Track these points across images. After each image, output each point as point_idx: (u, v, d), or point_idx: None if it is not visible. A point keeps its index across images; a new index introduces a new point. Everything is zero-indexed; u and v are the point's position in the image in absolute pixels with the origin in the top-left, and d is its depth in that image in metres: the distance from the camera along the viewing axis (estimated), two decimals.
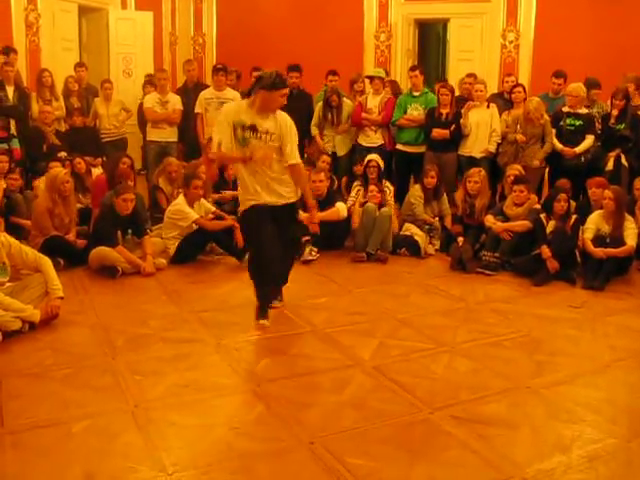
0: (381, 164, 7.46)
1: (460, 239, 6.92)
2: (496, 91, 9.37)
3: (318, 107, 8.62)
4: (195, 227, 6.68)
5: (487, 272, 6.47)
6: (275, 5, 12.13)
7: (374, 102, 8.37)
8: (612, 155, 7.75)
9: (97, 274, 6.26)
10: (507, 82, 8.80)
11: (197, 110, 8.57)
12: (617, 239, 6.34)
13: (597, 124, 7.92)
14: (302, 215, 6.96)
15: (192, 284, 6.10)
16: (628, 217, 6.50)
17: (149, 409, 3.69)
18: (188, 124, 8.79)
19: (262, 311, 5.04)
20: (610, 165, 7.74)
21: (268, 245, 4.89)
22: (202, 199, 6.96)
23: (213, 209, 7.04)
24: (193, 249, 6.73)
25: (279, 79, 4.81)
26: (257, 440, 3.39)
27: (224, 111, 5.10)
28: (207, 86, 9.08)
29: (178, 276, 6.31)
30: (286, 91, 4.91)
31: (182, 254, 6.64)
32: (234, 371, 4.25)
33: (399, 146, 8.38)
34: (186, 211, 6.69)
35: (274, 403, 3.79)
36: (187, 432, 3.47)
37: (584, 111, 7.84)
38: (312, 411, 3.70)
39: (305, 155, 9.13)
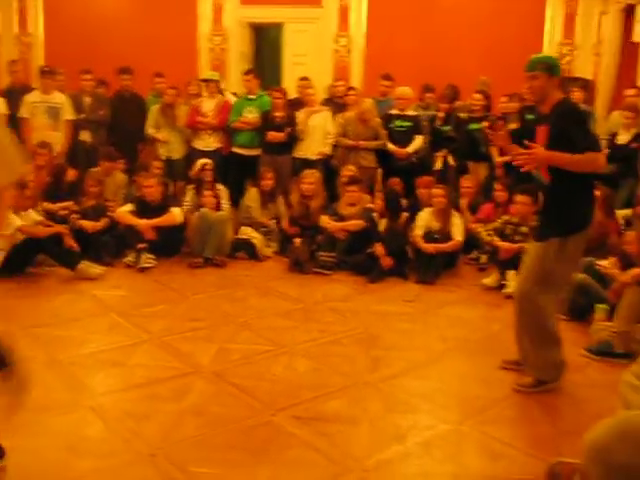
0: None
1: (297, 240, 6.99)
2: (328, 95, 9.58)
3: (154, 109, 8.52)
4: (21, 237, 6.31)
5: (324, 272, 6.59)
6: (107, 5, 11.74)
7: (209, 106, 8.32)
8: (440, 155, 8.18)
9: None
10: (336, 86, 9.02)
11: (22, 115, 8.12)
12: (446, 235, 6.67)
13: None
14: (139, 222, 6.81)
15: (22, 298, 5.77)
16: (455, 213, 6.87)
17: None
18: (14, 129, 8.29)
19: None
20: (438, 164, 8.16)
21: None
22: (30, 209, 6.59)
23: (40, 219, 6.67)
24: (21, 261, 6.36)
25: None
26: (96, 457, 3.28)
27: None
28: (33, 89, 8.63)
29: (5, 290, 5.94)
30: None
31: (9, 266, 6.26)
32: (69, 387, 4.07)
33: (235, 149, 8.37)
34: (9, 218, 6.31)
35: (112, 417, 3.67)
36: (21, 455, 3.25)
37: (412, 113, 8.20)
38: (152, 422, 3.62)
39: (139, 159, 8.95)
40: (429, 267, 6.48)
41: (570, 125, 3.92)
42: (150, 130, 8.51)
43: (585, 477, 2.01)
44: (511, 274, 5.96)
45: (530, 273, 4.08)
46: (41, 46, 12.07)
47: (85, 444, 3.41)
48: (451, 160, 8.23)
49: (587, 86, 9.61)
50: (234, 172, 8.53)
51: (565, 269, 4.11)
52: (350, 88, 8.77)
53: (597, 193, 5.95)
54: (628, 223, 6.77)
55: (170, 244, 7.00)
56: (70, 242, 6.37)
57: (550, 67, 4.01)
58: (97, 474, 3.14)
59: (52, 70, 8.41)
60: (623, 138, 7.79)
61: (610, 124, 8.44)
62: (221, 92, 8.78)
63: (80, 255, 6.42)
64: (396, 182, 7.59)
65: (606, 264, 5.33)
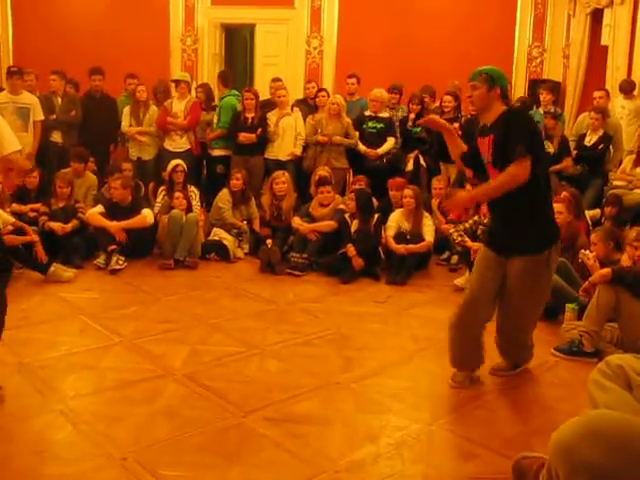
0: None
1: (268, 241, 6.98)
2: (301, 96, 9.59)
3: (127, 110, 8.50)
4: None
5: (296, 272, 6.58)
6: (78, 5, 11.63)
7: (179, 106, 8.31)
8: (411, 156, 8.22)
9: None
10: (308, 88, 9.05)
11: None
12: (417, 235, 6.70)
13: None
14: (109, 224, 6.77)
15: None
16: (426, 214, 6.91)
17: None
18: None
19: None
20: (410, 166, 8.20)
21: None
22: (0, 210, 6.52)
23: (12, 220, 6.62)
24: None
25: None
26: (66, 462, 3.23)
27: None
28: (1, 89, 8.52)
29: None
30: None
31: None
32: (38, 391, 4.01)
33: (209, 150, 8.41)
34: None
35: (82, 421, 3.63)
36: None
37: (385, 115, 8.24)
38: (123, 425, 3.59)
39: (110, 161, 8.92)
40: (400, 268, 6.51)
41: (510, 128, 3.80)
42: (126, 128, 8.47)
43: (551, 475, 2.03)
44: None
45: (527, 295, 4.08)
46: (9, 46, 11.90)
47: (55, 448, 3.37)
48: (422, 161, 8.27)
49: (556, 88, 9.76)
50: (207, 172, 8.56)
51: (551, 277, 4.18)
52: (321, 90, 8.80)
53: (566, 194, 6.05)
54: (596, 223, 6.86)
55: (141, 246, 6.95)
56: (41, 253, 6.27)
57: (490, 79, 3.91)
58: (67, 479, 3.10)
59: (20, 70, 8.29)
60: (590, 139, 7.90)
61: (578, 126, 8.58)
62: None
63: (50, 258, 6.35)
64: (361, 179, 7.59)
65: (590, 256, 5.32)
